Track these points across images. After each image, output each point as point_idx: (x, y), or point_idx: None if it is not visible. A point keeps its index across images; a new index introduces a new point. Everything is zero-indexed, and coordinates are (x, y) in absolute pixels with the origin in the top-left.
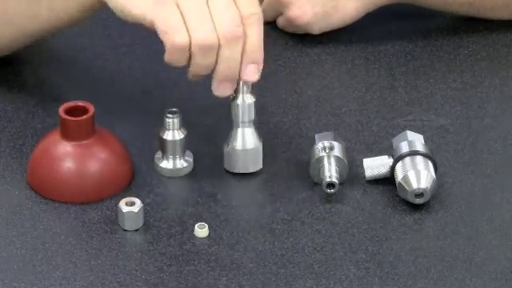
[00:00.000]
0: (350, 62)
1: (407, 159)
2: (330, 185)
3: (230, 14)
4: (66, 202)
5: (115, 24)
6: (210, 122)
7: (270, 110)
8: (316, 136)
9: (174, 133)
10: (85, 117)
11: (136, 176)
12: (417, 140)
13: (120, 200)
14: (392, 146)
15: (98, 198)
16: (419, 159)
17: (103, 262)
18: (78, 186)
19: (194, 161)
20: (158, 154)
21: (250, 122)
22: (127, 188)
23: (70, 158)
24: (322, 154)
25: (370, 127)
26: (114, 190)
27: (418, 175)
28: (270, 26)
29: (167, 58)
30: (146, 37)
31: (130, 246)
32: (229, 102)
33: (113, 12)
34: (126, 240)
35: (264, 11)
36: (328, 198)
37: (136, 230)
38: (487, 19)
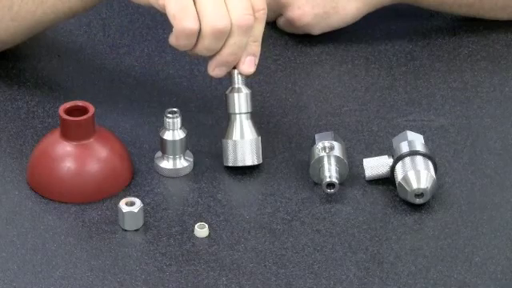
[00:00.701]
0: (350, 62)
1: (407, 159)
2: (330, 185)
3: (245, 2)
4: (65, 202)
5: (115, 24)
6: (209, 122)
7: (269, 109)
8: (316, 136)
9: (173, 133)
10: (85, 117)
11: (136, 176)
12: (417, 140)
13: (120, 200)
14: (392, 146)
15: (98, 198)
16: (419, 159)
17: (103, 261)
18: (78, 186)
19: (194, 161)
20: (158, 154)
21: (247, 113)
22: (127, 188)
23: (70, 158)
24: (322, 153)
25: (370, 127)
26: (114, 189)
27: (418, 175)
28: (270, 26)
29: (174, 41)
30: (146, 37)
31: (130, 246)
32: (224, 94)
33: (112, 12)
34: (126, 240)
35: None
36: (328, 198)
37: (136, 230)
38: (487, 20)
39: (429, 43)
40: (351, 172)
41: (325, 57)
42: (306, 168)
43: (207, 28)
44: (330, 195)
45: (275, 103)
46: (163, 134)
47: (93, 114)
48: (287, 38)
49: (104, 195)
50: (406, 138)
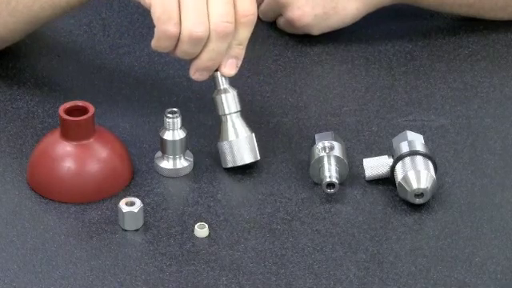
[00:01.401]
0: (350, 62)
1: (407, 159)
2: (330, 185)
3: (225, 9)
4: (66, 202)
5: (115, 24)
6: (209, 122)
7: (269, 110)
8: (316, 136)
9: (174, 133)
10: (85, 117)
11: (136, 176)
12: (417, 140)
13: (120, 200)
14: (392, 146)
15: (98, 198)
16: (419, 159)
17: (103, 261)
18: (78, 186)
19: (194, 161)
20: (158, 154)
21: (236, 112)
22: (127, 188)
23: (70, 158)
24: (322, 153)
25: (370, 127)
26: (114, 189)
27: (418, 175)
28: (270, 26)
29: (154, 43)
30: (146, 37)
31: (130, 246)
32: (212, 98)
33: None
34: (126, 240)
35: (264, 12)
36: (328, 198)
37: (136, 230)
38: (487, 20)
39: (429, 43)
40: (351, 172)
41: (325, 57)
42: (305, 168)
43: (185, 33)
44: (330, 195)
45: (275, 103)
46: (163, 134)
47: (93, 114)
48: (287, 38)
49: (104, 195)
50: (405, 138)
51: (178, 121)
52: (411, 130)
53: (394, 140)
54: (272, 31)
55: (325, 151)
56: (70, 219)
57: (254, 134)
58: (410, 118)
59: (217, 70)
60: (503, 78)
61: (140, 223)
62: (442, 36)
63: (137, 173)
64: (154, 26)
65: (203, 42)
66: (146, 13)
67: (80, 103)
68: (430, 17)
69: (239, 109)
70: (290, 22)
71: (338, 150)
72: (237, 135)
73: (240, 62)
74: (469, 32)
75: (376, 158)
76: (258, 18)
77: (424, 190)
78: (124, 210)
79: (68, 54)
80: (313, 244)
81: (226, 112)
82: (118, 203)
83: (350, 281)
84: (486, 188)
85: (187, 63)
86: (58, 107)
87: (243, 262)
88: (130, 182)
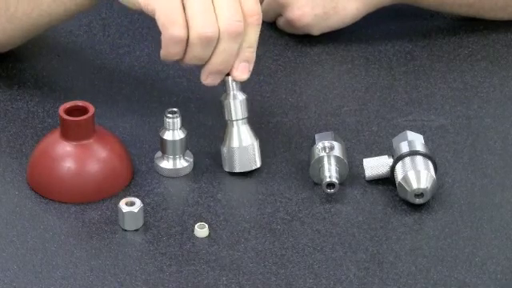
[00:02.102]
0: (350, 62)
1: (407, 159)
2: (330, 185)
3: (234, 9)
4: (66, 202)
5: (115, 24)
6: (209, 122)
7: (269, 110)
8: (316, 136)
9: (174, 133)
10: (85, 117)
11: (136, 176)
12: (417, 140)
13: (120, 200)
14: (392, 146)
15: (98, 198)
16: (419, 159)
17: (103, 261)
18: (78, 186)
19: (194, 161)
20: (158, 154)
21: (243, 119)
22: (127, 188)
23: (70, 158)
24: (322, 153)
25: (370, 127)
26: (114, 189)
27: (418, 175)
28: (270, 26)
29: (163, 52)
30: (146, 37)
31: (130, 246)
32: (220, 101)
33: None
34: (126, 240)
35: (264, 12)
36: (328, 198)
37: (136, 230)
38: (487, 20)
39: (429, 43)
40: (351, 172)
41: (325, 57)
42: (306, 168)
43: (194, 35)
44: (330, 195)
45: (275, 103)
46: (163, 134)
47: (93, 114)
48: (287, 38)
49: (104, 195)
50: (405, 138)
51: (178, 121)
52: (411, 129)
53: (394, 140)
54: (272, 31)
55: (325, 151)
56: (70, 219)
57: (257, 141)
58: (410, 118)
59: (228, 75)
60: (503, 78)
61: (140, 223)
62: (442, 36)
63: (137, 173)
64: (154, 27)
65: (214, 43)
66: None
67: (80, 103)
68: (430, 17)
69: (246, 115)
70: (290, 22)
71: (338, 150)
72: (241, 143)
73: (252, 66)
74: (469, 32)
75: (376, 158)
76: None
77: (424, 190)
78: (124, 210)
79: (68, 53)
80: (313, 244)
81: (233, 118)
82: (118, 203)
83: (349, 281)
84: (485, 188)
85: None
86: (57, 107)
87: (243, 262)
88: (130, 182)
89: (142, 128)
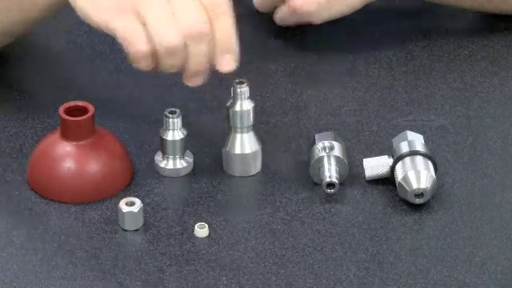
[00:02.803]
0: (350, 62)
1: (407, 159)
2: (330, 185)
3: (193, 11)
4: (66, 202)
5: None
6: (210, 122)
7: (269, 110)
8: (316, 136)
9: (173, 133)
10: (85, 117)
11: (136, 176)
12: (417, 140)
13: (120, 200)
14: (392, 146)
15: (98, 198)
16: (419, 159)
17: (103, 262)
18: (78, 186)
19: (194, 161)
20: (158, 154)
21: (248, 127)
22: (127, 188)
23: (69, 158)
24: (322, 153)
25: (370, 127)
26: (114, 190)
27: (418, 175)
28: (270, 26)
29: (133, 65)
30: None
31: (130, 246)
32: (226, 108)
33: None
34: (126, 240)
35: (263, 1)
36: (328, 198)
37: (136, 230)
38: (489, 15)
39: (429, 43)
40: (351, 172)
41: (325, 57)
42: (305, 168)
43: (161, 48)
44: (330, 195)
45: (275, 103)
46: (163, 134)
47: (93, 114)
48: (287, 37)
49: (104, 195)
50: (406, 138)
51: (178, 121)
52: (411, 129)
53: (394, 140)
54: (272, 31)
55: (325, 151)
56: (70, 219)
57: (260, 147)
58: (410, 118)
59: (235, 80)
60: (503, 78)
61: (140, 223)
62: (442, 36)
63: (137, 173)
64: None
65: (182, 51)
66: None
67: (80, 103)
68: (430, 17)
69: (251, 123)
70: (294, 10)
71: (338, 150)
72: (242, 150)
73: (236, 56)
74: (469, 32)
75: (376, 158)
76: (256, 11)
77: (424, 190)
78: (124, 210)
79: (68, 54)
80: (313, 244)
81: (238, 126)
82: (118, 203)
83: (349, 281)
84: (486, 188)
85: None
86: (57, 107)
87: (243, 261)
88: (130, 182)
89: (142, 128)
